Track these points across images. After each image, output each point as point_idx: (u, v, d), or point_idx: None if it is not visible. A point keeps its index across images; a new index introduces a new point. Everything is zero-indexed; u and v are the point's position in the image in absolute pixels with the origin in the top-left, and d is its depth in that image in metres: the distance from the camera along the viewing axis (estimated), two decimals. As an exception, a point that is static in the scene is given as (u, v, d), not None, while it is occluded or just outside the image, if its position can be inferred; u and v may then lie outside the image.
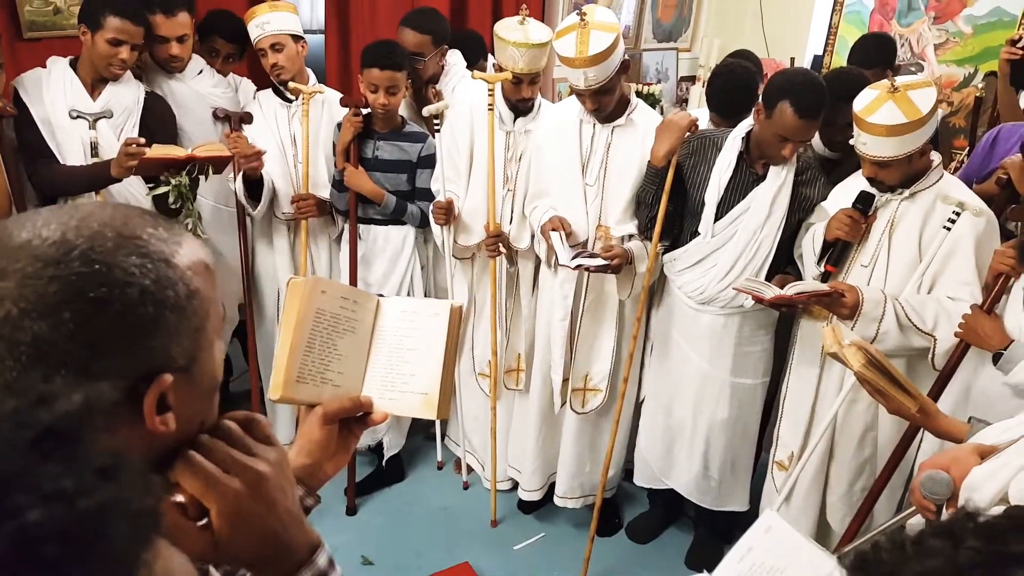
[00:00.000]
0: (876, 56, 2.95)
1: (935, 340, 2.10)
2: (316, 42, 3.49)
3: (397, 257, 2.97)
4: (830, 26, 4.59)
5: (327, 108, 2.94)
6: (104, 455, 0.33)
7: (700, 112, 2.88)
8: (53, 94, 2.53)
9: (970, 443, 1.53)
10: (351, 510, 2.98)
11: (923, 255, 2.17)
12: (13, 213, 2.41)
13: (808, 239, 2.36)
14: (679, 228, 2.55)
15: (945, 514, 1.40)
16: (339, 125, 2.83)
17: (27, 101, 2.50)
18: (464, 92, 2.92)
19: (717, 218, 2.41)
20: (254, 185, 2.81)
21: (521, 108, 2.66)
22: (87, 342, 0.60)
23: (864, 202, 2.21)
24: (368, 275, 2.97)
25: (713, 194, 2.41)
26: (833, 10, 4.56)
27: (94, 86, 2.58)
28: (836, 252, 2.26)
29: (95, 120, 2.57)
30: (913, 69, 4.24)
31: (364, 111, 2.77)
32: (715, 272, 2.43)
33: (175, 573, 0.37)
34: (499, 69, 2.58)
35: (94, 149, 2.56)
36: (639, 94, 4.39)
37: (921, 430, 2.07)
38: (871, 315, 2.11)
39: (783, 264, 2.45)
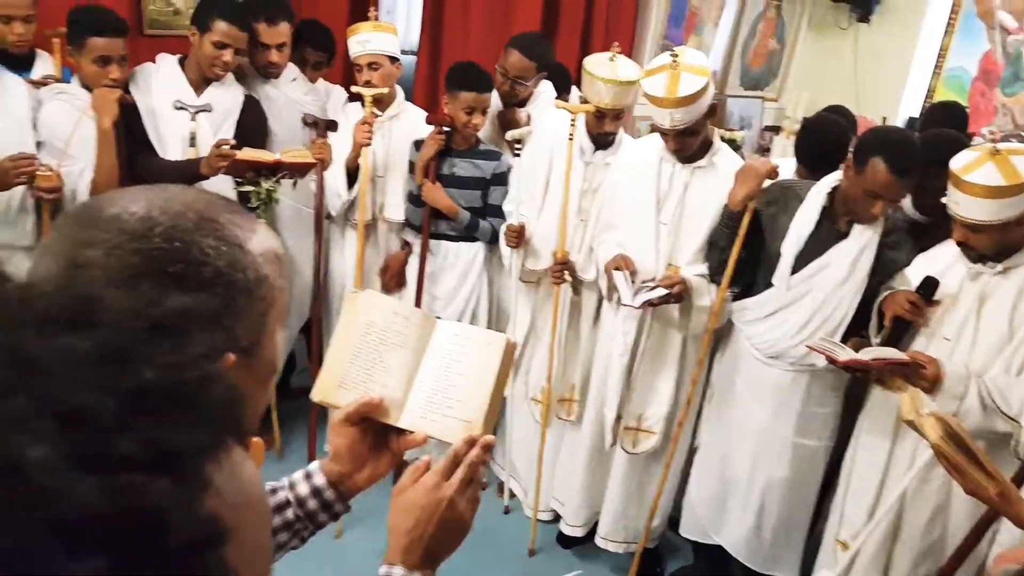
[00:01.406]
0: (946, 126, 2.79)
1: (1021, 427, 1.98)
2: (406, 61, 3.58)
3: (467, 273, 3.00)
4: (928, 88, 4.47)
5: (407, 125, 2.99)
6: (204, 346, 0.39)
7: (784, 162, 2.82)
8: (160, 86, 2.67)
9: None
10: (394, 520, 2.98)
11: (1014, 334, 2.06)
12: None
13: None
14: (752, 276, 2.49)
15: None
16: (416, 143, 2.88)
17: (136, 92, 2.64)
18: (549, 121, 2.94)
19: (794, 271, 2.35)
20: (352, 174, 2.91)
21: (602, 141, 2.66)
22: None
23: (927, 289, 2.13)
24: (436, 289, 3.01)
25: (791, 246, 2.35)
26: (933, 73, 4.44)
27: (199, 85, 2.71)
28: (894, 331, 2.17)
29: (196, 112, 2.68)
30: (1014, 140, 4.09)
31: (447, 129, 2.82)
32: (787, 327, 2.36)
33: (245, 473, 0.41)
34: (584, 102, 2.58)
35: (192, 140, 2.67)
36: (720, 139, 4.37)
37: (999, 517, 1.95)
38: (952, 391, 2.01)
39: (861, 326, 2.36)
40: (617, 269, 2.42)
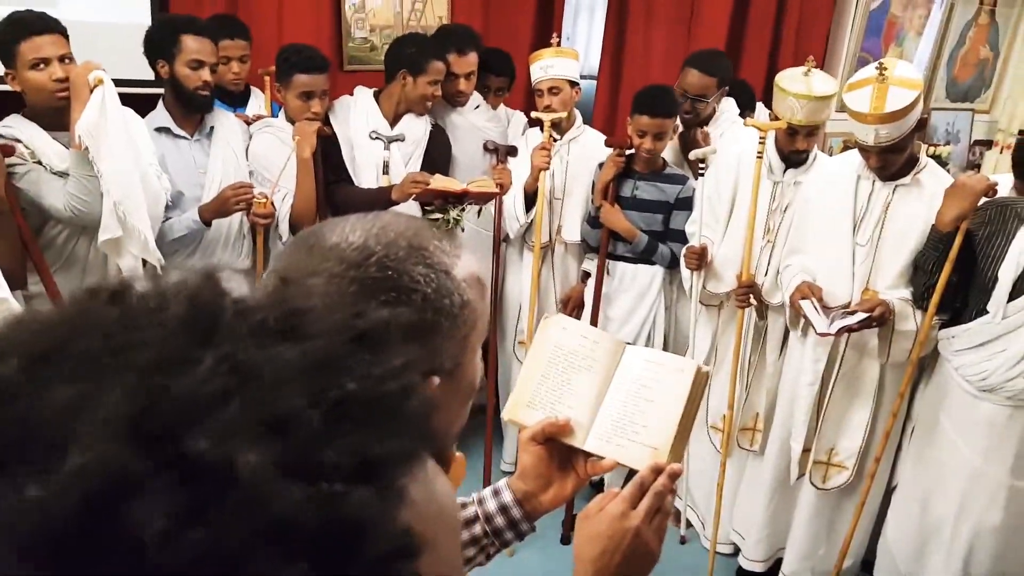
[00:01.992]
0: None
1: None
2: (586, 86, 3.62)
3: (643, 296, 2.96)
4: None
5: (585, 149, 3.02)
6: (401, 356, 0.39)
7: (1000, 179, 2.56)
8: (358, 118, 2.85)
9: None
10: (565, 539, 2.98)
11: None
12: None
13: None
14: (962, 303, 2.28)
15: None
16: (600, 165, 2.90)
17: (335, 123, 2.84)
18: (733, 140, 2.87)
19: (1012, 297, 2.13)
20: (528, 199, 2.97)
21: (793, 159, 2.55)
22: None
23: None
24: (610, 310, 3.00)
25: (1010, 270, 2.13)
26: None
27: (393, 116, 2.87)
28: None
29: (390, 142, 2.85)
30: None
31: (628, 152, 2.82)
32: (1004, 358, 2.14)
33: (438, 486, 0.41)
34: (774, 118, 2.50)
35: (385, 168, 2.84)
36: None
37: None
38: None
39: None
40: (804, 298, 2.31)
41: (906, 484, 2.49)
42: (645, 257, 2.90)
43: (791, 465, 2.56)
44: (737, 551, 2.88)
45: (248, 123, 2.77)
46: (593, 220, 2.90)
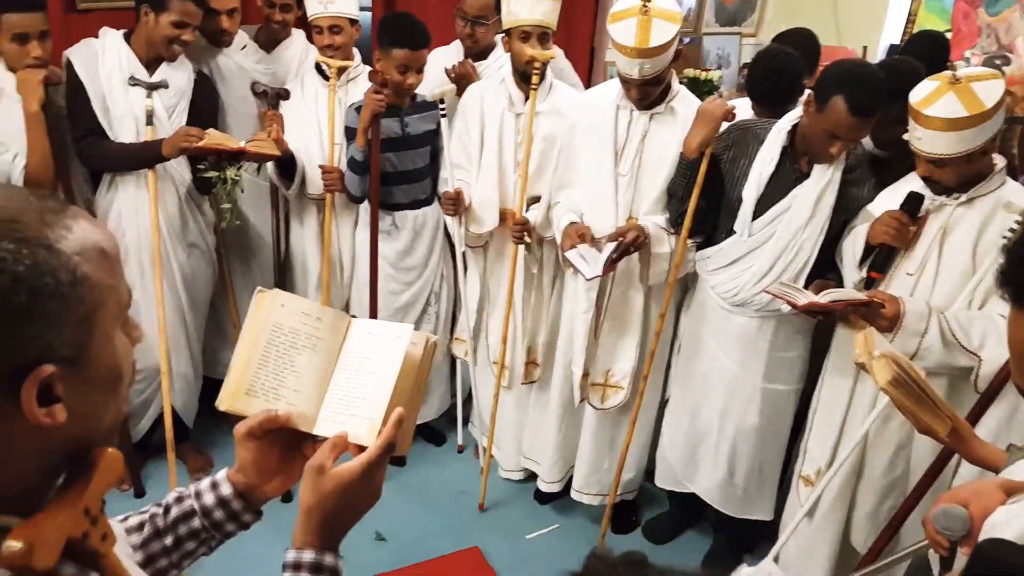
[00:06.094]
0: (928, 56, 2.50)
1: (980, 360, 1.93)
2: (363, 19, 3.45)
3: (433, 244, 2.93)
4: (909, 13, 4.31)
5: (364, 88, 2.88)
6: None
7: (739, 103, 2.71)
8: (109, 66, 2.54)
9: (998, 477, 1.40)
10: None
11: (977, 267, 2.00)
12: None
13: (849, 242, 2.21)
14: (713, 225, 2.43)
15: (960, 553, 1.29)
16: (357, 108, 2.69)
17: (81, 75, 2.51)
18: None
19: (755, 216, 2.27)
20: (286, 164, 2.79)
21: (530, 73, 2.51)
22: None
23: (912, 204, 2.04)
24: (409, 260, 2.93)
25: (752, 191, 2.27)
26: (913, -4, 4.28)
27: (149, 63, 2.58)
28: (881, 257, 2.11)
29: (152, 89, 2.57)
30: (999, 62, 3.96)
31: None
32: (751, 274, 2.30)
33: None
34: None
35: (149, 118, 2.56)
36: (697, 80, 4.24)
37: (955, 453, 1.92)
38: (913, 329, 1.96)
39: (825, 268, 2.29)
40: (572, 247, 2.34)
41: (676, 397, 2.67)
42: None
43: (573, 389, 2.67)
44: (529, 476, 3.02)
45: None
46: (358, 165, 2.67)
